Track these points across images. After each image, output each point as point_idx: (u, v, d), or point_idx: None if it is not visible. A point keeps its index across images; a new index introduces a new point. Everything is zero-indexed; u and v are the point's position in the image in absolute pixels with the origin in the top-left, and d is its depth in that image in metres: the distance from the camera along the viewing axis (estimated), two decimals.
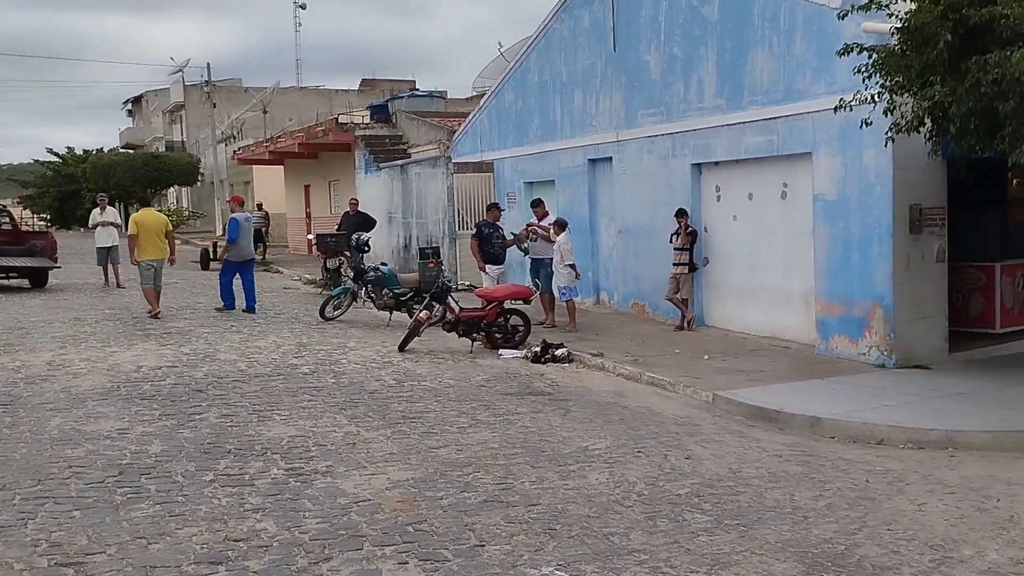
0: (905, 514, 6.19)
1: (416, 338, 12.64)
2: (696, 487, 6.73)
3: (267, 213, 31.44)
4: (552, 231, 14.51)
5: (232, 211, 17.46)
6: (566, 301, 14.31)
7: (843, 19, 9.73)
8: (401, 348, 12.42)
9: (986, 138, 8.40)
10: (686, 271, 13.86)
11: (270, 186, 37.38)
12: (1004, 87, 7.44)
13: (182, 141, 61.36)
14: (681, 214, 13.77)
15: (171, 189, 55.56)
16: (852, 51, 9.29)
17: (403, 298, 14.75)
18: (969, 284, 12.58)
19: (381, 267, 15.58)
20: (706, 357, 11.86)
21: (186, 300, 17.77)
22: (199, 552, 5.32)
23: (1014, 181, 8.37)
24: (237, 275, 16.18)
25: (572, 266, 14.19)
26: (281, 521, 5.82)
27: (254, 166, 38.67)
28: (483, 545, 5.47)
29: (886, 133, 9.50)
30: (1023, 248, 13.00)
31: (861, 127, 9.78)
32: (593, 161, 16.78)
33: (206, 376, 10.41)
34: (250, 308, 15.97)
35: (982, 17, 7.64)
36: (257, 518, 5.88)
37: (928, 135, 9.43)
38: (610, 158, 16.16)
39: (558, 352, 12.01)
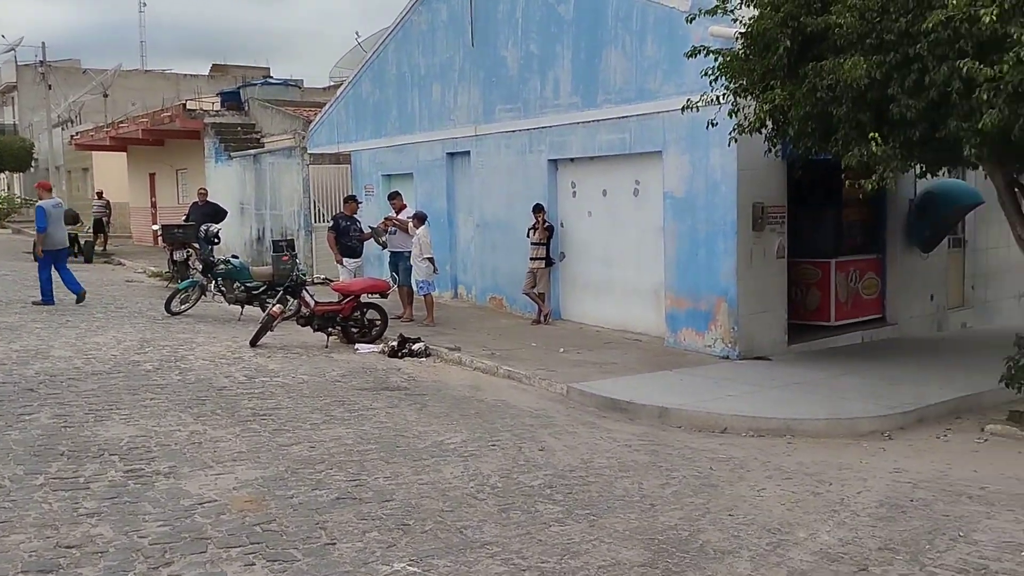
0: (745, 499, 6.46)
1: (269, 333, 12.28)
2: (549, 478, 6.81)
3: (108, 202, 29.90)
4: (411, 224, 14.41)
5: (39, 198, 16.12)
6: (424, 295, 14.25)
7: (691, 22, 10.06)
8: (253, 343, 12.05)
9: (822, 141, 8.87)
10: (543, 265, 14.04)
11: (111, 174, 35.52)
12: (838, 92, 7.87)
13: (14, 124, 57.49)
14: (538, 209, 13.94)
15: (2, 175, 52.06)
16: (700, 54, 9.63)
17: (255, 292, 14.30)
18: (807, 279, 13.28)
19: (232, 260, 15.07)
20: (561, 350, 12.05)
21: (16, 293, 16.65)
22: (27, 560, 4.98)
23: (847, 182, 8.85)
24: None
25: (431, 259, 14.14)
26: (118, 525, 5.52)
27: (93, 152, 36.66)
28: (334, 543, 5.35)
29: (730, 134, 9.89)
30: (855, 246, 13.85)
31: (708, 128, 10.16)
32: (452, 155, 16.76)
33: (37, 374, 9.78)
34: (79, 293, 15.01)
35: (818, 26, 8.06)
36: (92, 523, 5.55)
37: (769, 137, 9.88)
38: (468, 152, 16.19)
39: (415, 346, 11.93)
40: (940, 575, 5.12)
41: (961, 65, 7.02)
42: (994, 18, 6.74)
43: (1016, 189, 9.25)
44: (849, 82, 7.55)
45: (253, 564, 5.03)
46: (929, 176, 10.47)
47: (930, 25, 7.05)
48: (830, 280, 13.17)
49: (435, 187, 17.18)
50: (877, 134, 7.81)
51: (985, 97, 7.01)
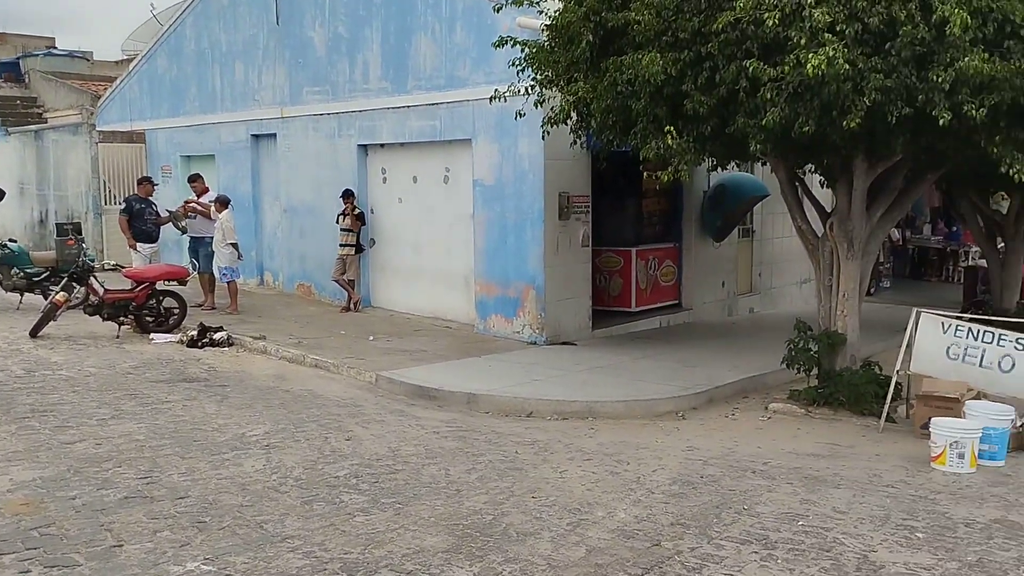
0: (548, 481, 6.61)
1: (52, 323, 11.43)
2: (355, 468, 6.71)
3: None
4: (213, 208, 13.80)
5: None
6: (227, 282, 13.69)
7: (499, 12, 10.16)
8: (33, 334, 11.18)
9: (622, 133, 9.18)
10: (353, 252, 13.82)
11: None
12: (636, 87, 8.16)
13: None
14: (348, 195, 13.69)
15: None
16: (507, 44, 9.73)
17: (37, 279, 13.24)
18: (610, 267, 13.77)
19: (10, 244, 13.87)
20: (371, 338, 11.92)
21: None
22: None
23: (645, 174, 9.22)
24: None
25: (234, 245, 13.60)
26: None
27: None
28: (121, 545, 5.04)
29: (541, 125, 10.07)
30: (654, 235, 14.48)
31: (516, 118, 10.29)
32: (257, 137, 16.18)
33: None
34: None
35: (618, 21, 8.32)
36: None
37: (574, 128, 10.14)
38: (275, 135, 15.68)
39: (216, 336, 11.45)
40: (726, 547, 5.42)
41: (747, 65, 7.45)
42: (776, 22, 7.19)
43: (797, 183, 9.94)
44: (647, 77, 7.85)
45: (29, 571, 4.67)
46: (720, 169, 11.08)
47: (720, 26, 7.44)
48: (631, 268, 13.71)
49: (239, 170, 16.52)
50: (672, 128, 8.17)
51: (768, 96, 7.48)
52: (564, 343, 11.91)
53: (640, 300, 13.89)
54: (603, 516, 5.89)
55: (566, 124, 9.72)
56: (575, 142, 10.59)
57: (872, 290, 17.82)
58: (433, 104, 12.77)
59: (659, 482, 6.67)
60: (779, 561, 5.21)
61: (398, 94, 13.31)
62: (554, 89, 9.57)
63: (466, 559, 5.08)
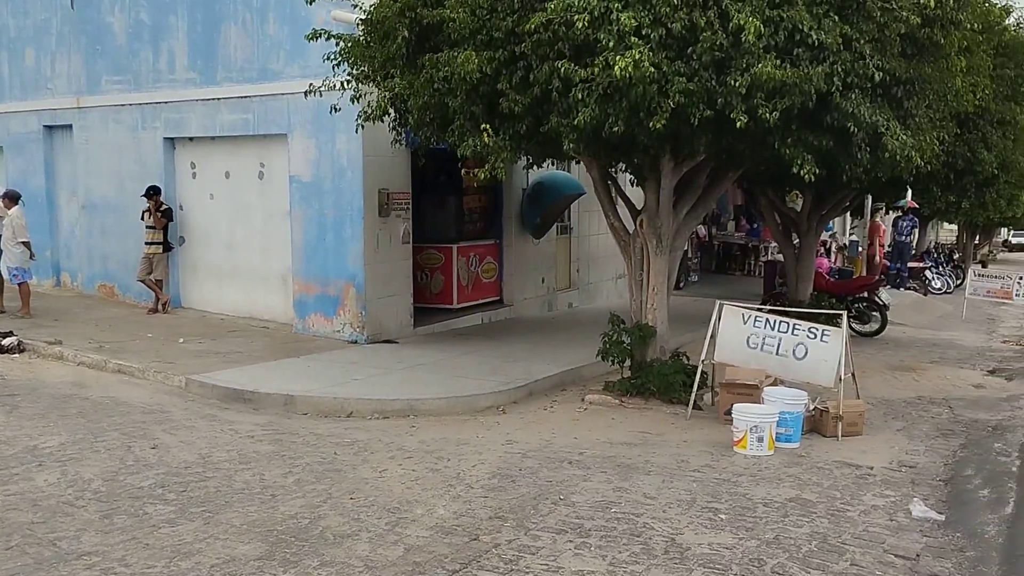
0: (368, 482, 6.52)
1: None
2: (161, 477, 6.38)
3: None
4: (0, 204, 12.76)
5: None
6: (18, 284, 12.69)
7: (312, 4, 9.91)
8: None
9: (440, 130, 9.17)
10: (160, 251, 13.15)
11: None
12: (453, 85, 8.17)
13: None
14: (153, 192, 13.01)
15: None
16: (321, 37, 9.52)
17: None
18: (431, 264, 13.76)
19: None
20: (181, 340, 11.37)
21: None
22: None
23: (463, 171, 9.26)
24: None
25: (26, 244, 12.63)
26: None
27: None
28: None
29: (356, 120, 9.90)
30: (475, 232, 14.58)
31: (332, 113, 10.08)
32: (50, 128, 15.09)
33: None
34: None
35: (434, 18, 8.30)
36: None
37: (392, 125, 10.05)
38: (71, 126, 14.68)
39: (6, 341, 10.61)
40: (542, 537, 5.53)
41: (560, 65, 7.60)
42: (586, 24, 7.38)
43: (609, 181, 10.26)
44: (462, 75, 7.87)
45: None
46: (537, 167, 11.28)
47: (532, 26, 7.55)
48: (453, 265, 13.75)
49: (31, 163, 15.37)
50: (489, 126, 8.23)
51: (580, 96, 7.66)
52: (386, 341, 11.79)
53: (462, 297, 13.96)
54: (422, 514, 5.87)
55: (383, 120, 9.61)
56: (394, 139, 10.49)
57: (681, 284, 18.71)
58: (245, 97, 12.33)
59: (479, 477, 6.72)
60: (593, 548, 5.36)
61: (207, 85, 12.76)
62: (370, 85, 9.43)
63: (280, 565, 4.93)
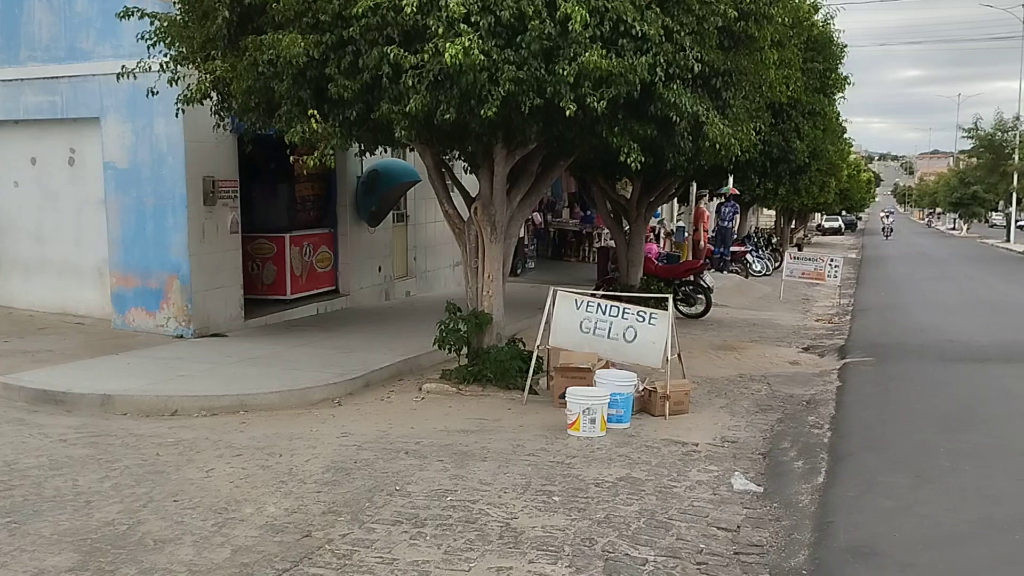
0: (193, 482, 6.24)
1: None
2: None
3: None
4: None
5: None
6: None
7: None
8: None
9: (266, 116, 8.86)
10: None
11: None
12: (279, 68, 7.89)
13: None
14: None
15: None
16: (134, 15, 8.99)
17: None
18: (263, 254, 13.34)
19: None
20: None
21: None
22: None
23: (291, 158, 8.96)
24: None
25: None
26: None
27: None
28: None
29: (176, 104, 9.43)
30: (309, 220, 14.25)
31: (149, 96, 9.57)
32: None
33: None
34: None
35: None
36: None
37: (215, 109, 9.63)
38: None
39: None
40: (377, 530, 5.45)
41: (389, 51, 7.47)
42: (415, 9, 7.29)
43: (443, 169, 10.22)
44: (288, 59, 7.60)
45: None
46: (369, 154, 11.10)
47: (360, 10, 7.38)
48: (285, 254, 13.38)
49: None
50: (317, 112, 8.01)
51: (411, 83, 7.57)
52: (215, 335, 11.35)
53: (296, 287, 13.62)
54: (251, 513, 5.66)
55: (204, 104, 9.20)
56: (218, 124, 10.05)
57: (518, 271, 18.97)
58: (53, 78, 11.53)
59: (312, 471, 6.56)
60: (428, 538, 5.33)
61: (9, 65, 11.86)
62: (190, 67, 9.00)
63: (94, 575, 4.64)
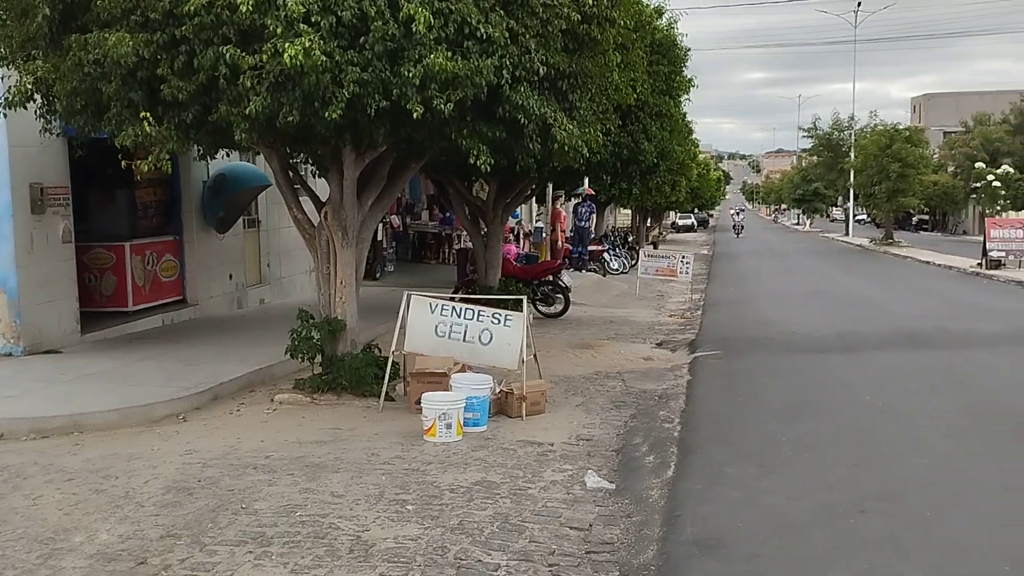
0: (18, 511, 5.82)
1: None
2: None
3: None
4: None
5: None
6: None
7: None
8: None
9: (95, 119, 8.37)
10: None
11: None
12: (106, 68, 7.46)
13: None
14: None
15: None
16: None
17: None
18: (101, 264, 12.65)
19: None
20: None
21: None
22: None
23: (124, 162, 8.46)
24: None
25: None
26: None
27: None
28: None
29: None
30: (151, 227, 13.62)
31: None
32: None
33: None
34: None
35: None
36: None
37: (40, 112, 9.04)
38: None
39: None
40: (219, 552, 5.21)
41: (225, 51, 7.17)
42: (251, 8, 7.01)
43: (291, 173, 9.93)
44: (116, 59, 7.20)
45: None
46: (211, 158, 10.69)
47: (192, 8, 7.05)
48: (126, 264, 12.73)
49: None
50: (150, 115, 7.61)
51: (250, 84, 7.29)
52: (48, 352, 10.67)
53: (138, 298, 12.97)
54: (82, 541, 5.32)
55: (27, 107, 8.61)
56: (44, 127, 9.42)
57: (378, 275, 18.74)
58: None
59: (151, 493, 6.23)
60: (274, 557, 5.13)
61: None
62: (11, 67, 8.41)
63: None
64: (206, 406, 8.96)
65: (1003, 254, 25.88)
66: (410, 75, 7.43)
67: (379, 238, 18.84)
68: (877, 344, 12.82)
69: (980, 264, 26.34)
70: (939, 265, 30.22)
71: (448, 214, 23.75)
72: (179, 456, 7.22)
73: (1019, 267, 25.31)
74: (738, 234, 61.55)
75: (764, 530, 5.64)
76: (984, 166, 37.18)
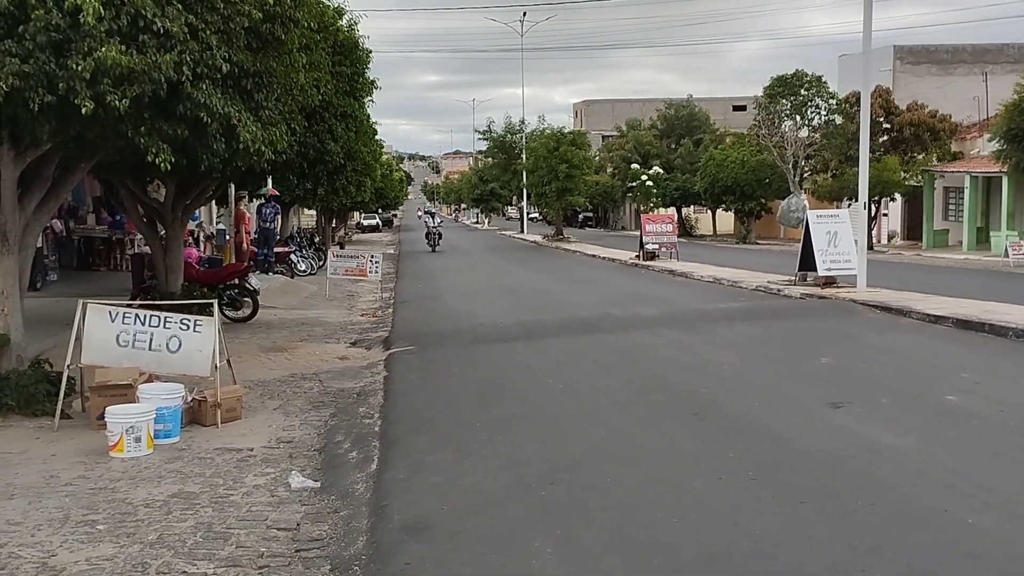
0: None
1: None
2: None
3: None
4: None
5: None
6: None
7: None
8: None
9: None
10: None
11: None
12: None
13: None
14: None
15: None
16: None
17: None
18: None
19: None
20: None
21: None
22: None
23: None
24: None
25: None
26: None
27: None
28: None
29: None
30: None
31: None
32: None
33: None
34: None
35: None
36: None
37: None
38: None
39: None
40: None
41: None
42: None
43: None
44: None
45: None
46: None
47: None
48: None
49: None
50: None
51: None
52: None
53: None
54: None
55: None
56: None
57: (39, 285, 17.08)
58: None
59: None
60: None
61: None
62: None
63: None
64: None
65: (656, 246, 28.80)
66: (79, 68, 6.96)
67: (39, 245, 17.16)
68: (555, 331, 13.83)
69: (638, 256, 29.11)
70: (604, 258, 33.02)
71: (119, 217, 22.16)
72: None
73: (670, 258, 28.30)
74: (434, 247, 39.53)
75: (465, 509, 5.96)
76: (638, 167, 41.19)
